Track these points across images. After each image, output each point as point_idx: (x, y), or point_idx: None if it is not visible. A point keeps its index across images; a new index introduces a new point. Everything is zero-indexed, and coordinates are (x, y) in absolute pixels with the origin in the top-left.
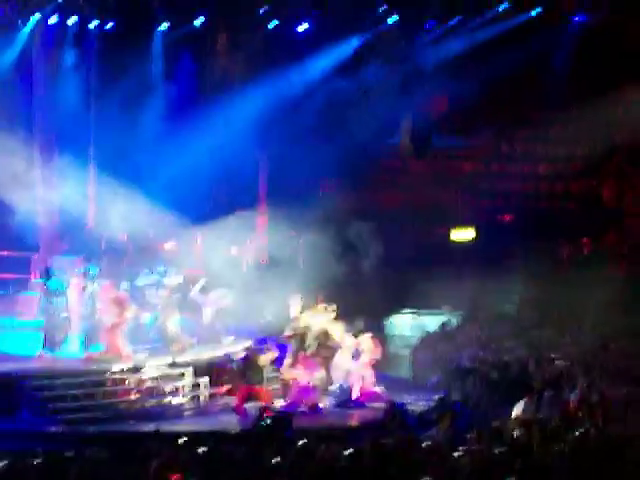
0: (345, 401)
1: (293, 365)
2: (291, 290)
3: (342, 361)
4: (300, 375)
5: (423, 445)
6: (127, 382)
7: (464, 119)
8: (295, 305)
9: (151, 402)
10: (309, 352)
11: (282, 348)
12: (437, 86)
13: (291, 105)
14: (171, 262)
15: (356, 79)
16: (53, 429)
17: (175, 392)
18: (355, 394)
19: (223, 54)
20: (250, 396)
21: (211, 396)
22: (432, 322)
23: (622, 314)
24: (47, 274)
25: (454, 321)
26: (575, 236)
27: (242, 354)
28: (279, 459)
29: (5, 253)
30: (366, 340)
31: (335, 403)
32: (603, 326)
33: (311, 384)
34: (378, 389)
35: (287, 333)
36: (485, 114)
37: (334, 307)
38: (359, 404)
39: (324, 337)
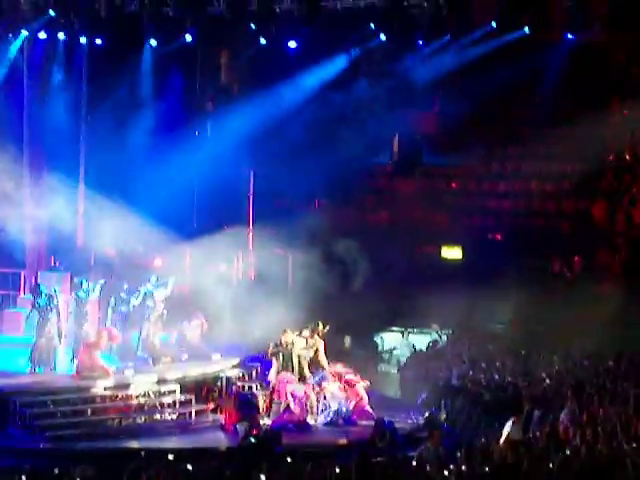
0: (337, 419)
1: (276, 383)
2: (280, 307)
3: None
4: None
5: (412, 463)
6: (115, 399)
7: (454, 137)
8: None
9: (139, 419)
10: (295, 370)
11: (267, 365)
12: (427, 104)
13: (280, 123)
14: (161, 277)
15: (345, 97)
16: (41, 446)
17: (163, 409)
18: (348, 413)
19: (213, 71)
20: (241, 417)
21: (199, 413)
22: (421, 340)
23: (613, 332)
24: (37, 290)
25: (444, 339)
26: (566, 254)
27: (234, 374)
28: (266, 476)
29: None
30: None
31: (325, 421)
32: (594, 344)
33: (299, 401)
34: (368, 407)
35: (270, 350)
36: (475, 132)
37: (322, 328)
38: (351, 422)
39: (312, 357)
